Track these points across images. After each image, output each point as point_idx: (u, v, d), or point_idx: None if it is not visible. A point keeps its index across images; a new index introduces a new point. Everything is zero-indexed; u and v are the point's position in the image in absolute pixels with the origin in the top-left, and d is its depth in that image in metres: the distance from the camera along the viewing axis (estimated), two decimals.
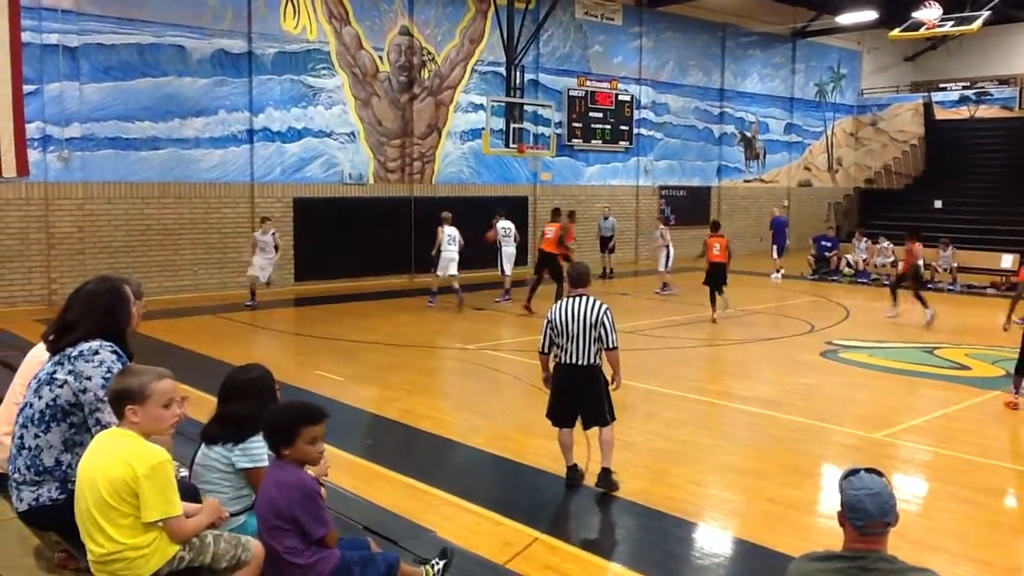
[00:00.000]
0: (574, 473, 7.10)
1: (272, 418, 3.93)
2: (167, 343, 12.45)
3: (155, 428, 3.58)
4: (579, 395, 7.02)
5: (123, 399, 3.53)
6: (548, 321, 7.04)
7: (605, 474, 6.95)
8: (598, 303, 6.98)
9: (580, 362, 6.90)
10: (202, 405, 5.67)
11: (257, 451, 4.14)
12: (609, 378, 7.09)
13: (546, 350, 7.10)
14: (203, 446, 4.22)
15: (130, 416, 3.50)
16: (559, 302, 7.11)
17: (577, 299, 6.99)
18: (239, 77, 18.21)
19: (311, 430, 3.84)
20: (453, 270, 16.93)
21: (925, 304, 15.53)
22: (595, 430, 7.16)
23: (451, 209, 17.79)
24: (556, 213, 17.42)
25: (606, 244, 22.86)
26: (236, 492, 4.14)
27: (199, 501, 3.94)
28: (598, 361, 6.98)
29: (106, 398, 3.73)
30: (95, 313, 4.10)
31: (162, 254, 17.48)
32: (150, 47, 17.00)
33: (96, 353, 3.96)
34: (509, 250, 18.02)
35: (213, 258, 18.21)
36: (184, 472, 4.39)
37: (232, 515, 4.02)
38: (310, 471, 3.96)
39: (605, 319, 6.90)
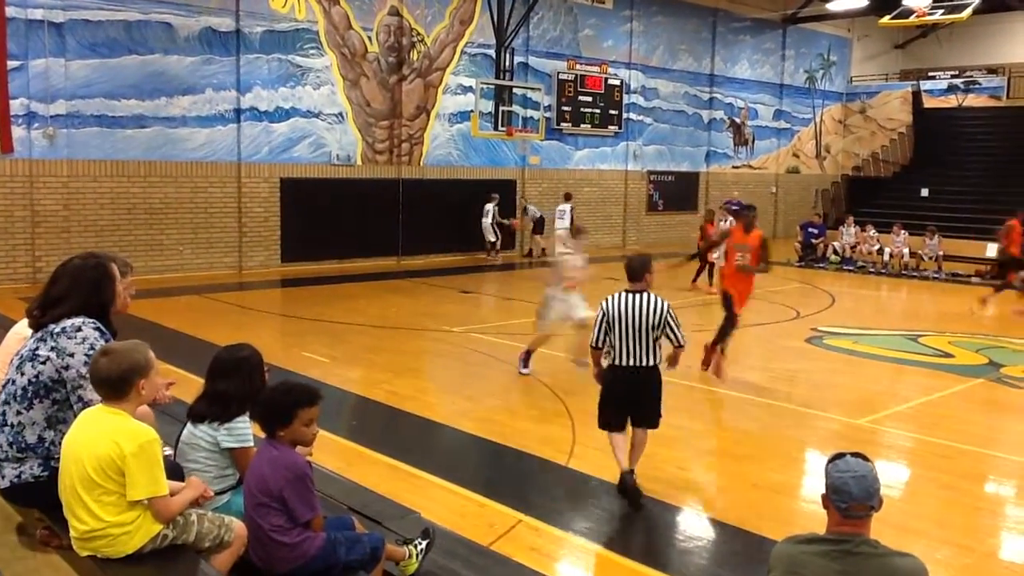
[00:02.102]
0: (629, 479, 6.44)
1: (269, 399, 3.93)
2: (152, 323, 12.37)
3: (154, 396, 3.63)
4: (634, 399, 6.56)
5: (134, 375, 3.52)
6: (603, 313, 6.49)
7: (630, 476, 6.46)
8: (659, 301, 6.44)
9: (637, 363, 6.41)
10: (188, 385, 5.64)
11: (242, 431, 4.14)
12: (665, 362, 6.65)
13: (599, 344, 6.57)
14: (189, 424, 4.21)
15: (140, 390, 3.51)
16: (616, 298, 6.47)
17: (636, 295, 6.43)
18: (226, 56, 18.07)
19: (308, 412, 3.86)
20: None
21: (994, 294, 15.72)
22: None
23: (440, 191, 17.81)
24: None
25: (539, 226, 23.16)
26: (220, 471, 4.13)
27: (183, 480, 3.93)
28: (657, 361, 6.47)
29: (88, 375, 3.71)
30: (81, 288, 4.07)
31: (148, 233, 17.37)
32: (137, 24, 16.83)
33: (79, 330, 3.93)
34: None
35: (200, 238, 18.11)
36: (169, 451, 4.37)
37: (216, 494, 4.02)
38: (299, 451, 3.97)
39: (670, 318, 6.39)
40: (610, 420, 6.62)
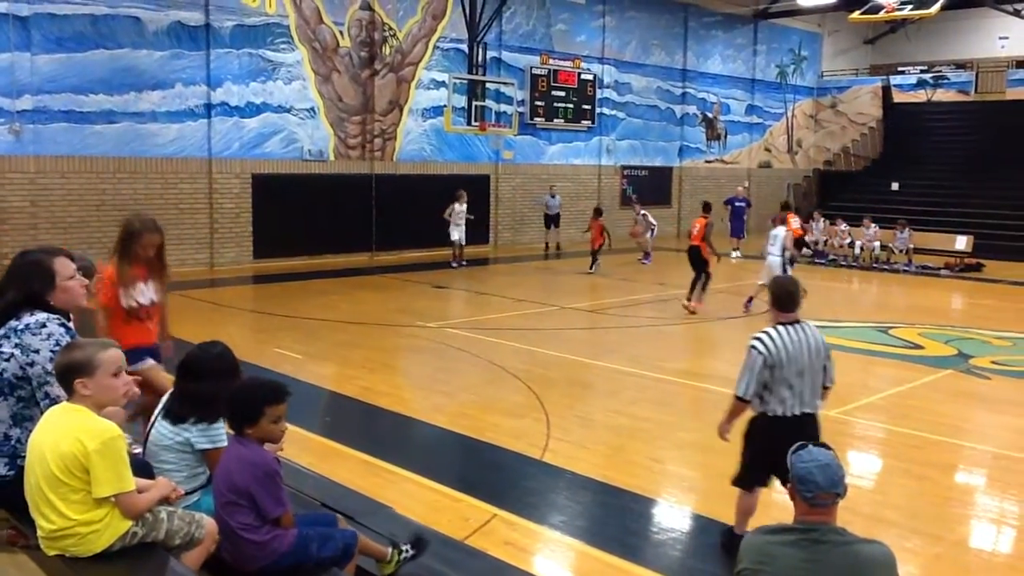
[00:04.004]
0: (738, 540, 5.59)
1: (236, 396, 3.90)
2: None
3: (108, 399, 3.52)
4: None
5: (71, 374, 3.45)
6: (761, 356, 5.30)
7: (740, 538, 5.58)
8: (817, 329, 5.53)
9: (808, 409, 5.39)
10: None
11: (217, 432, 4.10)
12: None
13: (749, 396, 5.38)
14: (159, 422, 4.16)
15: (80, 390, 3.43)
16: (774, 334, 5.36)
17: (795, 328, 5.39)
18: (196, 50, 17.90)
19: (275, 409, 3.82)
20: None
21: None
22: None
23: (413, 187, 17.78)
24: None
25: (552, 221, 23.43)
26: (191, 471, 4.09)
27: (152, 477, 3.89)
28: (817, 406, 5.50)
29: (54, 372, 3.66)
30: (18, 280, 4.04)
31: (117, 230, 17.10)
32: (104, 18, 16.63)
33: (43, 326, 3.88)
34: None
35: (170, 234, 17.64)
36: (138, 449, 4.33)
37: (186, 493, 3.98)
38: (268, 447, 3.94)
39: (828, 349, 5.52)
40: (758, 479, 5.61)
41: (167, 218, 17.77)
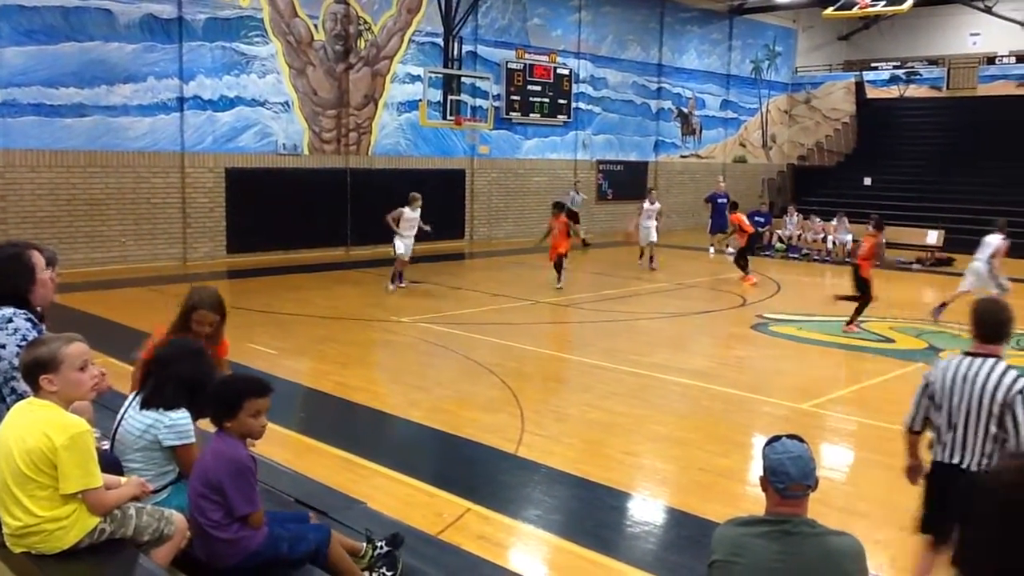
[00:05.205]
0: None
1: (217, 390, 3.89)
2: (93, 315, 12.12)
3: (75, 393, 3.48)
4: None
5: (36, 370, 3.41)
6: (925, 384, 4.68)
7: None
8: (1011, 372, 4.40)
9: (963, 463, 4.47)
10: (128, 377, 5.53)
11: (183, 427, 4.06)
12: None
13: (917, 427, 4.76)
14: (129, 415, 4.12)
15: (46, 386, 3.39)
16: (949, 360, 4.62)
17: (978, 360, 4.49)
18: (169, 43, 17.72)
19: (255, 403, 3.81)
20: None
21: None
22: None
23: (388, 181, 17.64)
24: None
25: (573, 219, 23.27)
26: (159, 469, 4.06)
27: (121, 472, 3.85)
28: (990, 464, 4.38)
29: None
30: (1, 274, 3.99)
31: (90, 224, 17.00)
32: (75, 10, 16.42)
33: (9, 321, 3.84)
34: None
35: (143, 229, 17.77)
36: (106, 444, 4.29)
37: (155, 491, 3.94)
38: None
39: (1019, 402, 4.30)
40: (934, 526, 4.69)
41: (139, 212, 17.66)
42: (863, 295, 12.78)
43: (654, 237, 18.89)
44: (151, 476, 3.97)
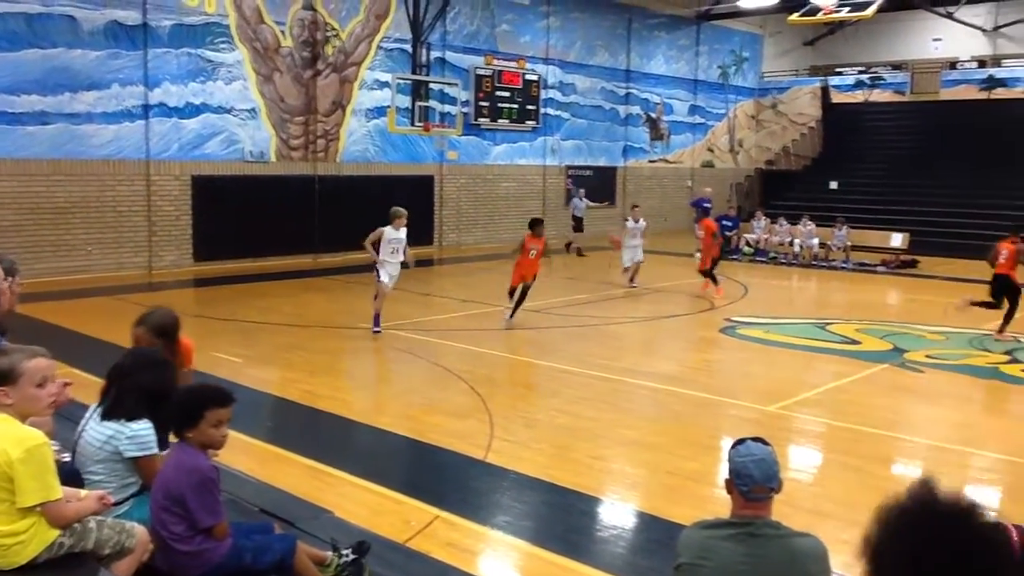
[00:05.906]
0: None
1: (179, 399, 3.85)
2: (56, 325, 11.96)
3: (31, 409, 3.43)
4: None
5: None
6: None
7: None
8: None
9: None
10: (92, 388, 5.45)
11: (145, 438, 4.02)
12: None
13: None
14: (89, 427, 4.07)
15: (1, 399, 3.34)
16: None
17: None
18: (133, 50, 17.54)
19: (216, 413, 3.77)
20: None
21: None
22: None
23: (357, 188, 17.52)
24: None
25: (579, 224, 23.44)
26: (121, 481, 4.01)
27: (82, 485, 3.80)
28: None
29: None
30: None
31: (54, 233, 16.77)
32: (38, 16, 16.21)
33: None
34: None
35: (108, 237, 17.56)
36: (67, 456, 4.23)
37: (116, 503, 3.89)
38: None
39: None
40: None
41: (104, 221, 17.45)
42: (1015, 299, 12.70)
43: (640, 257, 17.49)
44: (113, 488, 3.92)
